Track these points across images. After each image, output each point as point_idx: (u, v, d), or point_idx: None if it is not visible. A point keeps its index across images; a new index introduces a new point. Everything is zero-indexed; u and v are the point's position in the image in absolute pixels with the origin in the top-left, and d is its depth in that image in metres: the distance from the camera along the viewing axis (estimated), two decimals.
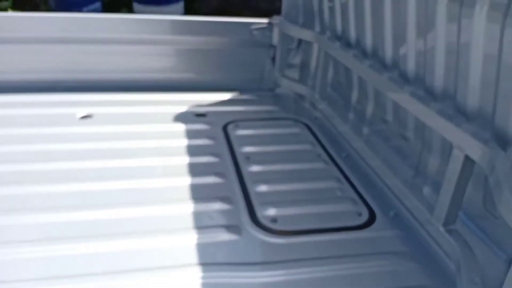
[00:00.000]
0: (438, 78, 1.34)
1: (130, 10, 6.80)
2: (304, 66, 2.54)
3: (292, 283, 1.28)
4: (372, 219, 1.55)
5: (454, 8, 1.21)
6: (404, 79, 1.54)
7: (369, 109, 1.89)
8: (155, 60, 2.57)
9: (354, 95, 2.03)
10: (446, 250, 1.27)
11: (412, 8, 1.41)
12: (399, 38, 1.54)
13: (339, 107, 2.16)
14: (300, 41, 2.52)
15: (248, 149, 1.96)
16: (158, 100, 2.39)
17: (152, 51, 2.53)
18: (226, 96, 2.52)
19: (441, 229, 1.22)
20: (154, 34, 2.48)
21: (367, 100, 1.90)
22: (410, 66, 1.49)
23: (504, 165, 0.96)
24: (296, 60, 2.60)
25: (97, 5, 6.48)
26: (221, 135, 2.08)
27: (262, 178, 1.74)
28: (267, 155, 1.93)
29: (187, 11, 7.34)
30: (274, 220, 1.50)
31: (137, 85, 2.49)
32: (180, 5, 6.86)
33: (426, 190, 1.48)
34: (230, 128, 2.15)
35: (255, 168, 1.81)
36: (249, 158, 1.88)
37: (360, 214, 1.56)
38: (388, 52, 1.62)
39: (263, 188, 1.68)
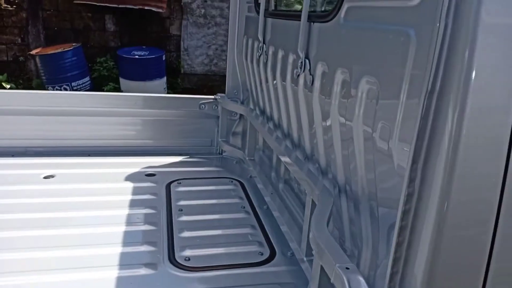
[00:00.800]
0: (307, 146, 1.76)
1: (117, 85, 7.45)
2: (244, 134, 2.98)
3: None
4: (271, 257, 1.86)
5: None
6: (294, 146, 1.96)
7: (282, 169, 2.28)
8: (119, 129, 2.98)
9: (274, 159, 2.43)
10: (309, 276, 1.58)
11: (291, 99, 1.87)
12: (288, 117, 1.99)
13: (266, 168, 2.55)
14: (241, 114, 2.98)
15: (183, 202, 2.30)
16: (116, 163, 2.77)
17: (116, 121, 2.96)
18: (177, 159, 2.91)
19: (305, 259, 1.54)
20: (117, 107, 2.93)
21: (280, 162, 2.29)
22: (295, 135, 1.91)
23: (318, 204, 1.32)
24: (239, 129, 3.04)
25: (86, 79, 7.12)
26: (163, 191, 2.43)
27: (188, 226, 2.07)
28: (198, 207, 2.27)
29: (171, 86, 8.01)
30: (187, 259, 1.81)
31: (102, 151, 2.88)
32: (163, 81, 7.52)
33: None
34: (173, 185, 2.51)
35: (184, 218, 2.15)
36: (182, 210, 2.22)
37: (262, 254, 1.88)
38: (284, 126, 2.05)
39: (186, 234, 2.00)
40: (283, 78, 1.88)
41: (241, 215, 2.23)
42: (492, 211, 0.85)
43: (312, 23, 1.51)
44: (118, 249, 1.85)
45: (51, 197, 2.26)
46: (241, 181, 2.65)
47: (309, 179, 1.57)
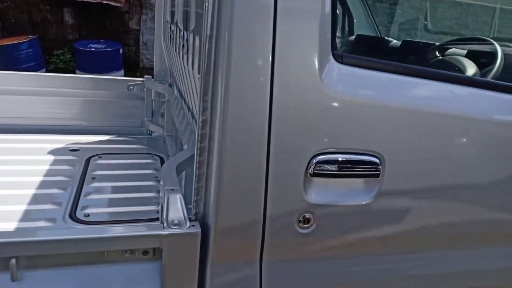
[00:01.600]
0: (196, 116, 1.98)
1: None
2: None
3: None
4: None
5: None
6: (193, 120, 2.17)
7: None
8: (50, 109, 3.11)
9: None
10: None
11: (185, 72, 2.08)
12: (187, 91, 2.20)
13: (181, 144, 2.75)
14: None
15: (98, 172, 2.47)
16: (43, 139, 2.89)
17: (47, 101, 3.08)
18: (105, 137, 3.07)
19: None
20: (47, 87, 3.06)
21: None
22: (191, 107, 2.13)
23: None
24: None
25: (42, 71, 7.14)
26: (83, 163, 2.59)
27: (97, 190, 2.24)
28: (112, 177, 2.44)
29: None
30: (87, 215, 1.99)
31: (32, 129, 3.01)
32: (120, 74, 7.61)
33: None
34: (93, 159, 2.67)
35: (95, 184, 2.31)
36: (94, 178, 2.39)
37: (158, 212, 2.07)
38: (186, 99, 2.26)
39: (93, 196, 2.17)
40: (179, 53, 2.09)
41: (151, 183, 2.41)
42: (263, 131, 1.07)
43: None
44: (24, 207, 2.01)
45: None
46: (163, 157, 2.83)
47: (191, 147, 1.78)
